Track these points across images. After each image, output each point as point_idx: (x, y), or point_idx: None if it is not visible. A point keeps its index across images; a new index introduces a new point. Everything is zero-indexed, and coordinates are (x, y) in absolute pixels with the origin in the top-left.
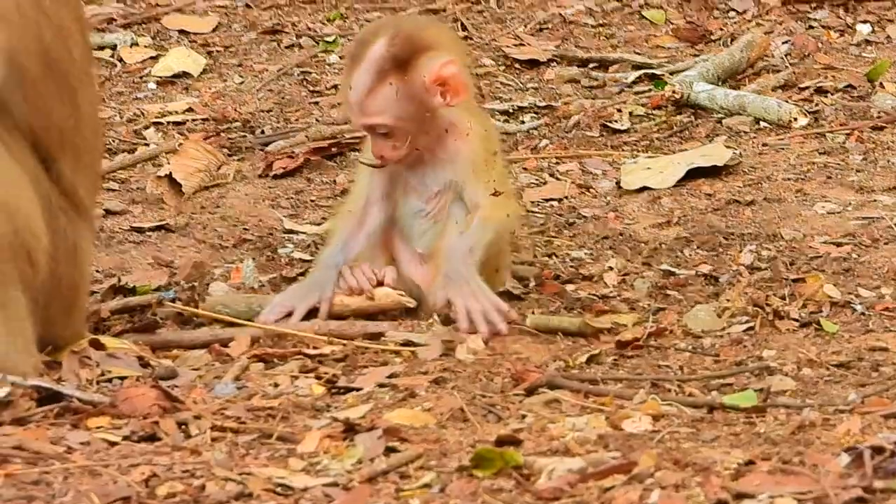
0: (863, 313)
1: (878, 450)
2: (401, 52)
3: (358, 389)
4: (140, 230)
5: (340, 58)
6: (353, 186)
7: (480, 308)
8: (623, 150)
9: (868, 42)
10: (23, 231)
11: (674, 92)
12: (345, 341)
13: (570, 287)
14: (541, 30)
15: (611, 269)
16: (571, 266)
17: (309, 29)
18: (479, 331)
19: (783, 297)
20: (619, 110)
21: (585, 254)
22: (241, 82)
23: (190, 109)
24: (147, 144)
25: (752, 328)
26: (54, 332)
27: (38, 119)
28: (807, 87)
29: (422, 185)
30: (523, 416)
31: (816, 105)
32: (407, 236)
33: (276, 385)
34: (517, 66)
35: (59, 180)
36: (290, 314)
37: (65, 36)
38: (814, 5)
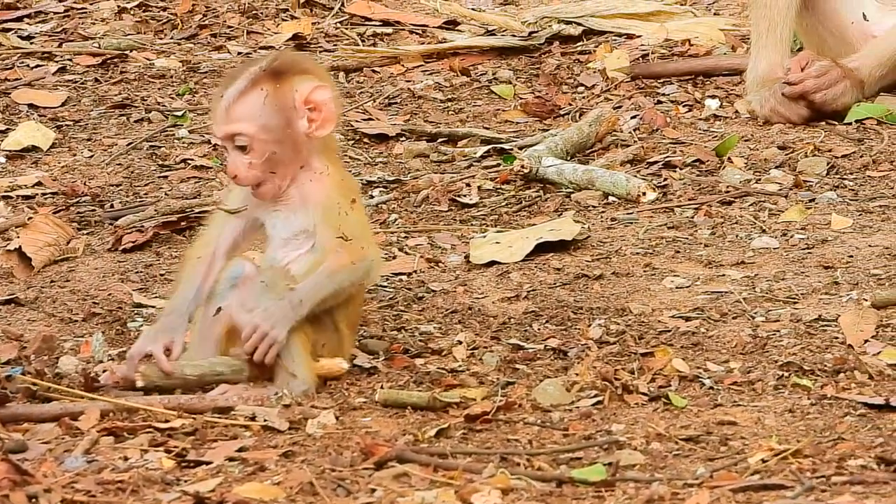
0: (711, 387)
1: None
2: (278, 66)
3: (208, 463)
4: None
5: (190, 132)
6: (203, 232)
7: (266, 344)
8: (472, 224)
9: (716, 117)
10: None
11: (522, 166)
12: (194, 415)
13: (419, 361)
14: (390, 104)
15: (460, 343)
16: (420, 340)
17: (158, 103)
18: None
19: (632, 371)
20: (468, 185)
21: (434, 328)
22: (91, 156)
23: (39, 183)
24: None
25: (600, 402)
26: None
27: None
28: (655, 162)
29: (275, 233)
30: (373, 491)
31: (665, 180)
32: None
33: (126, 458)
34: (366, 140)
35: None
36: (149, 356)
37: None
38: (662, 80)
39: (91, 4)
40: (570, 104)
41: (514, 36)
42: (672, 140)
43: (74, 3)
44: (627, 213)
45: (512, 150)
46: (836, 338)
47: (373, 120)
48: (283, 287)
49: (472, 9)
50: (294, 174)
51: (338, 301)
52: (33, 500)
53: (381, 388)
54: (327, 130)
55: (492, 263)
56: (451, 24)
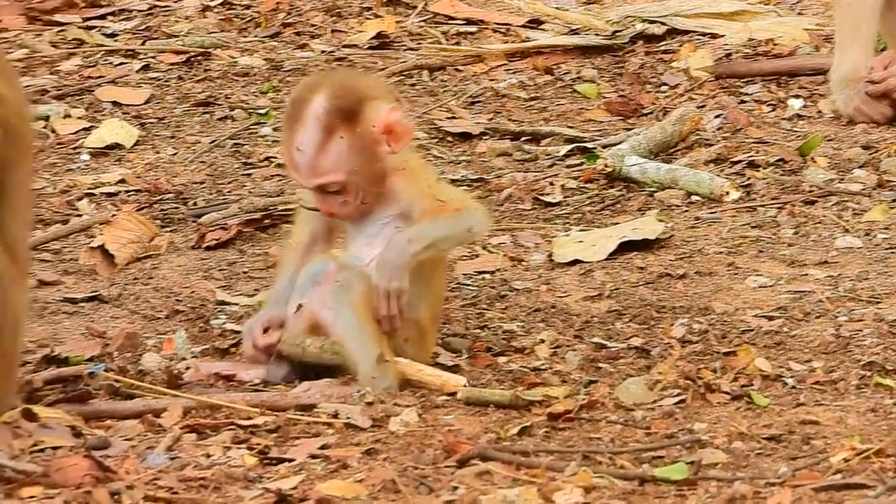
0: (794, 387)
1: None
2: (346, 103)
3: (290, 460)
4: (73, 301)
5: (273, 130)
6: (295, 224)
7: (387, 297)
8: (555, 223)
9: (800, 116)
10: None
11: (606, 165)
12: (277, 412)
13: (501, 359)
14: (473, 103)
15: (542, 341)
16: (503, 338)
17: (242, 101)
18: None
19: (714, 371)
20: (552, 183)
21: (517, 326)
22: (174, 154)
23: (123, 181)
24: (80, 216)
25: (683, 401)
26: None
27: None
28: (739, 161)
29: (360, 233)
30: (455, 488)
31: (748, 179)
32: None
33: (208, 455)
34: (449, 139)
35: (7, 246)
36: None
37: (19, 95)
38: (745, 80)
39: (175, 2)
40: (654, 103)
41: (597, 35)
42: (755, 139)
43: (158, 0)
44: (711, 213)
45: (595, 148)
46: None
47: (456, 118)
48: (358, 287)
49: (556, 7)
50: (381, 184)
51: (446, 250)
52: (116, 496)
53: (464, 386)
54: (406, 143)
55: (575, 262)
56: (535, 23)
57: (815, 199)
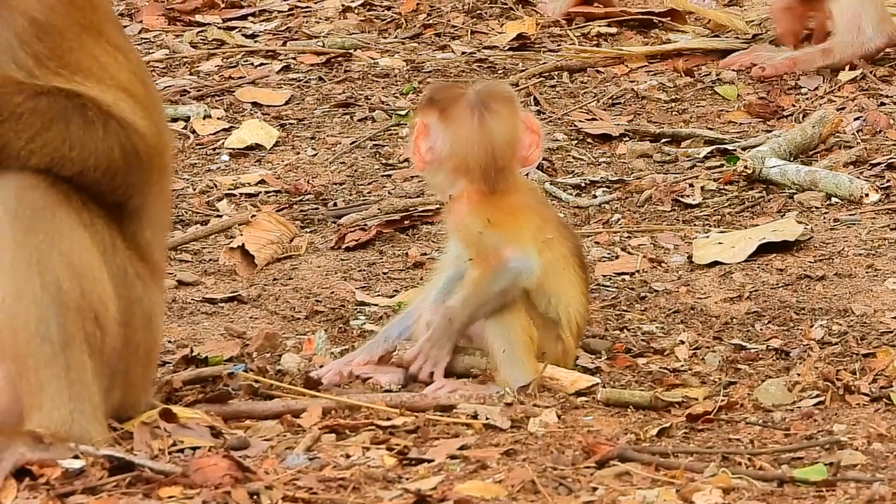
0: None
1: None
2: (434, 97)
3: (429, 461)
4: (212, 301)
5: None
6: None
7: (424, 359)
8: (695, 224)
9: None
10: (89, 293)
11: (745, 167)
12: (416, 413)
13: (641, 360)
14: (613, 104)
15: (682, 342)
16: (643, 340)
17: (382, 102)
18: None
19: (854, 372)
20: (691, 185)
21: (657, 327)
22: (314, 155)
23: (262, 181)
24: (220, 216)
25: (822, 402)
26: (135, 396)
27: (125, 195)
28: (878, 164)
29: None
30: (594, 489)
31: (888, 181)
32: None
33: (347, 456)
34: (589, 140)
35: (138, 247)
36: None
37: (157, 123)
38: (885, 81)
39: (315, 3)
40: (794, 105)
41: (737, 38)
42: (895, 141)
43: (299, 1)
44: (850, 215)
45: (735, 150)
46: None
47: (596, 120)
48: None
49: (695, 3)
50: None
51: (495, 307)
52: (255, 496)
53: (604, 387)
54: (419, 169)
55: (714, 263)
56: (675, 22)
57: None
